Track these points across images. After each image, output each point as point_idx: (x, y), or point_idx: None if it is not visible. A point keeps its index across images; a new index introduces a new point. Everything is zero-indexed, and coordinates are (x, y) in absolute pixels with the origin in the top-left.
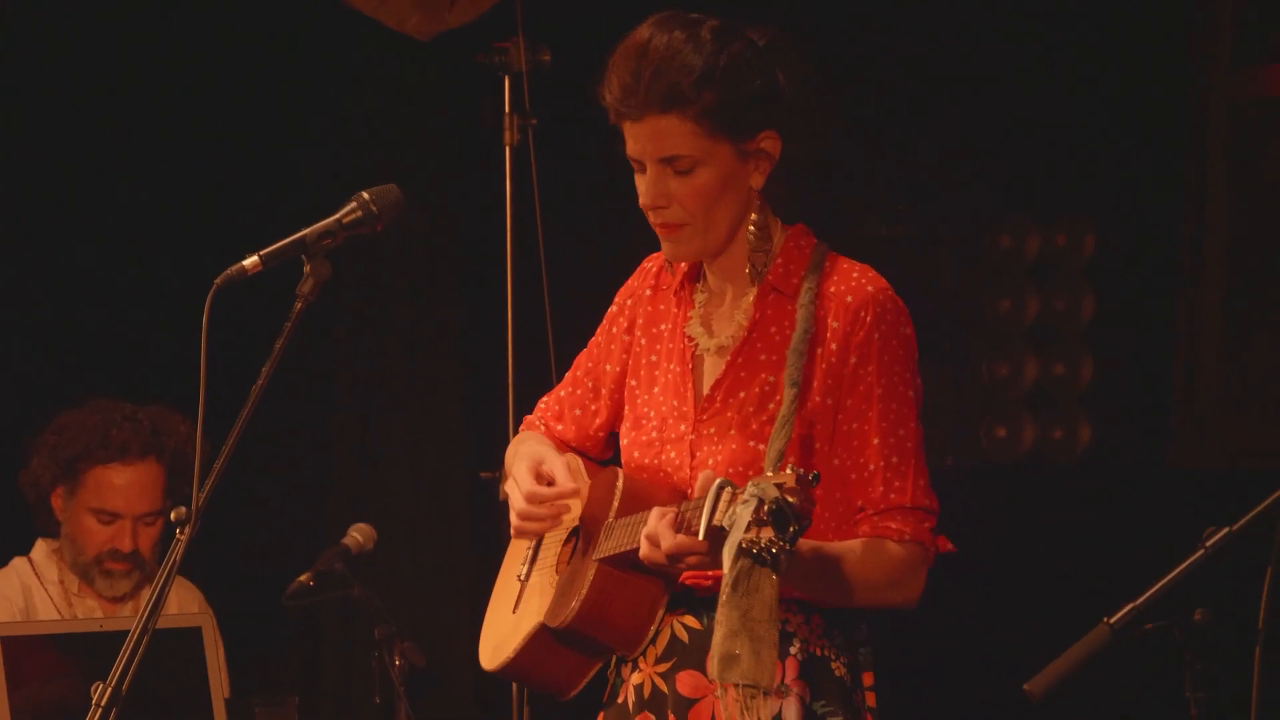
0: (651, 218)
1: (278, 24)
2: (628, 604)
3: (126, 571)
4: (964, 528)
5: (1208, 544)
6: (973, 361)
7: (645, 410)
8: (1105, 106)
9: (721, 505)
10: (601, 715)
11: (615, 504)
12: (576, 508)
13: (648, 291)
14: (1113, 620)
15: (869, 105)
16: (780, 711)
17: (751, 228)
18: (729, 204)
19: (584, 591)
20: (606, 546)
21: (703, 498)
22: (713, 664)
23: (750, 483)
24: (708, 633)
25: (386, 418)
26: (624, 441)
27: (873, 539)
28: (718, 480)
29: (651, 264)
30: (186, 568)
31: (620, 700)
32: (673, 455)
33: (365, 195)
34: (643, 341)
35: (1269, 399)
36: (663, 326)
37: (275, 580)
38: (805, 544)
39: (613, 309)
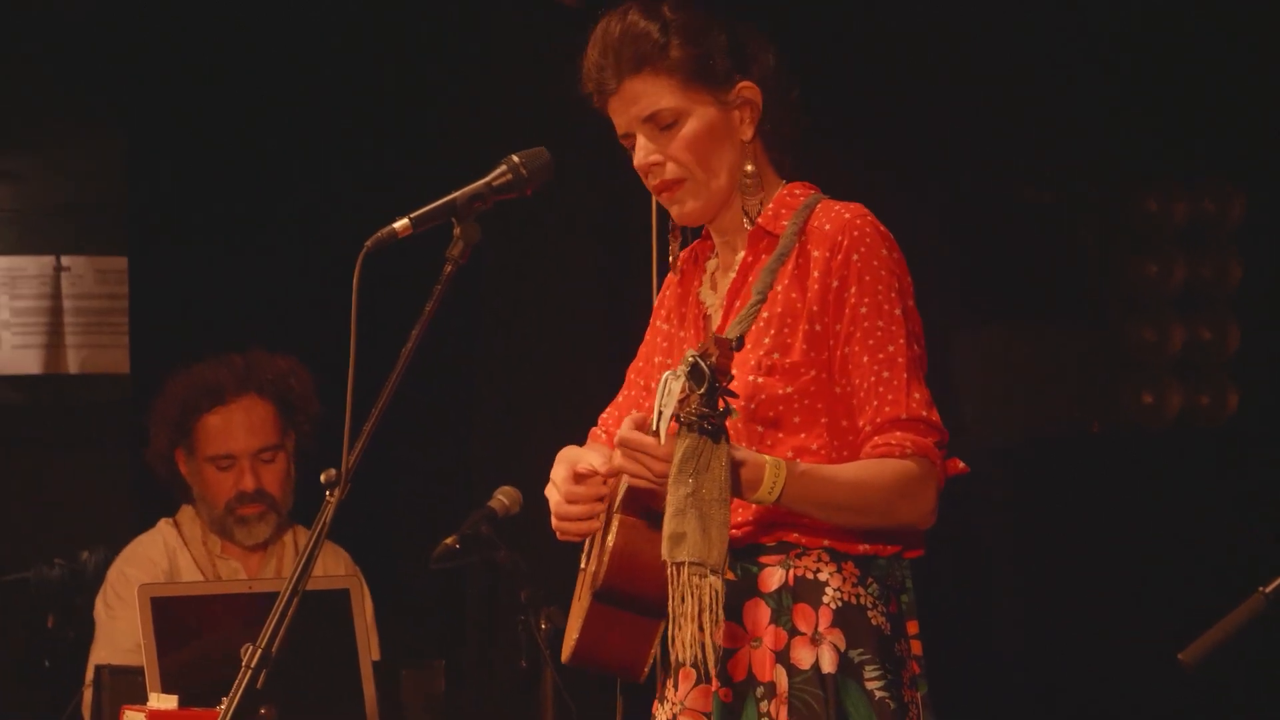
0: (650, 181)
1: None
2: (656, 552)
3: (260, 514)
4: (1111, 494)
5: None
6: (1119, 327)
7: None
8: (1254, 69)
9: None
10: (661, 675)
11: None
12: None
13: (675, 277)
14: (1268, 589)
15: (1012, 71)
16: (817, 659)
17: (747, 179)
18: (721, 155)
19: (610, 545)
20: (628, 495)
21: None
22: (664, 544)
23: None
24: (742, 584)
25: (532, 380)
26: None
27: (874, 458)
28: (665, 373)
29: (684, 253)
30: (334, 530)
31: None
32: None
33: (515, 159)
34: (674, 321)
35: None
36: (686, 306)
37: (421, 543)
38: (797, 464)
39: (655, 305)
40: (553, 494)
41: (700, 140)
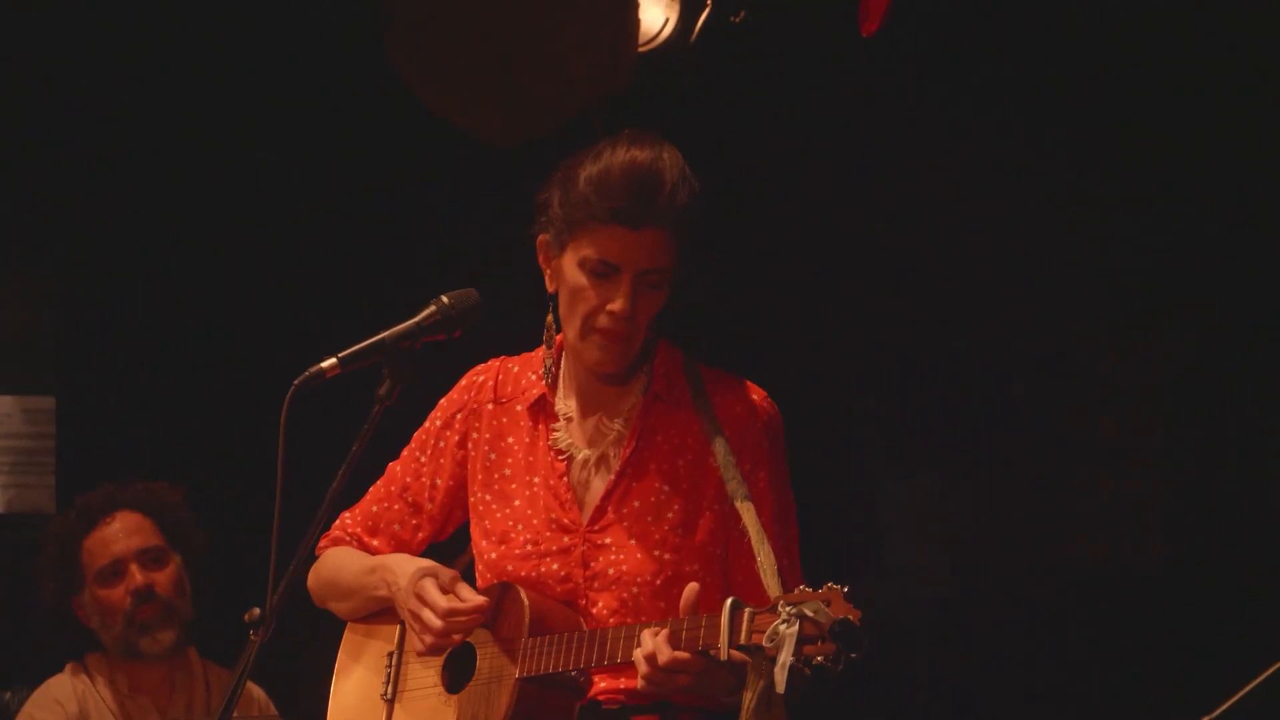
0: (608, 324)
1: (351, 120)
2: (548, 718)
3: (160, 616)
4: (1038, 642)
5: None
6: (1045, 475)
7: (509, 524)
8: (1181, 222)
9: (744, 626)
10: None
11: (526, 623)
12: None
13: (490, 405)
14: None
15: (940, 219)
16: None
17: (649, 347)
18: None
19: (507, 712)
20: (531, 666)
21: (698, 616)
22: None
23: (782, 603)
24: None
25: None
26: (490, 556)
27: None
28: (730, 601)
29: (484, 377)
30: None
31: None
32: (555, 567)
33: (445, 299)
34: (491, 456)
35: None
36: (510, 440)
37: None
38: None
39: (435, 424)
40: (423, 609)
41: (661, 306)
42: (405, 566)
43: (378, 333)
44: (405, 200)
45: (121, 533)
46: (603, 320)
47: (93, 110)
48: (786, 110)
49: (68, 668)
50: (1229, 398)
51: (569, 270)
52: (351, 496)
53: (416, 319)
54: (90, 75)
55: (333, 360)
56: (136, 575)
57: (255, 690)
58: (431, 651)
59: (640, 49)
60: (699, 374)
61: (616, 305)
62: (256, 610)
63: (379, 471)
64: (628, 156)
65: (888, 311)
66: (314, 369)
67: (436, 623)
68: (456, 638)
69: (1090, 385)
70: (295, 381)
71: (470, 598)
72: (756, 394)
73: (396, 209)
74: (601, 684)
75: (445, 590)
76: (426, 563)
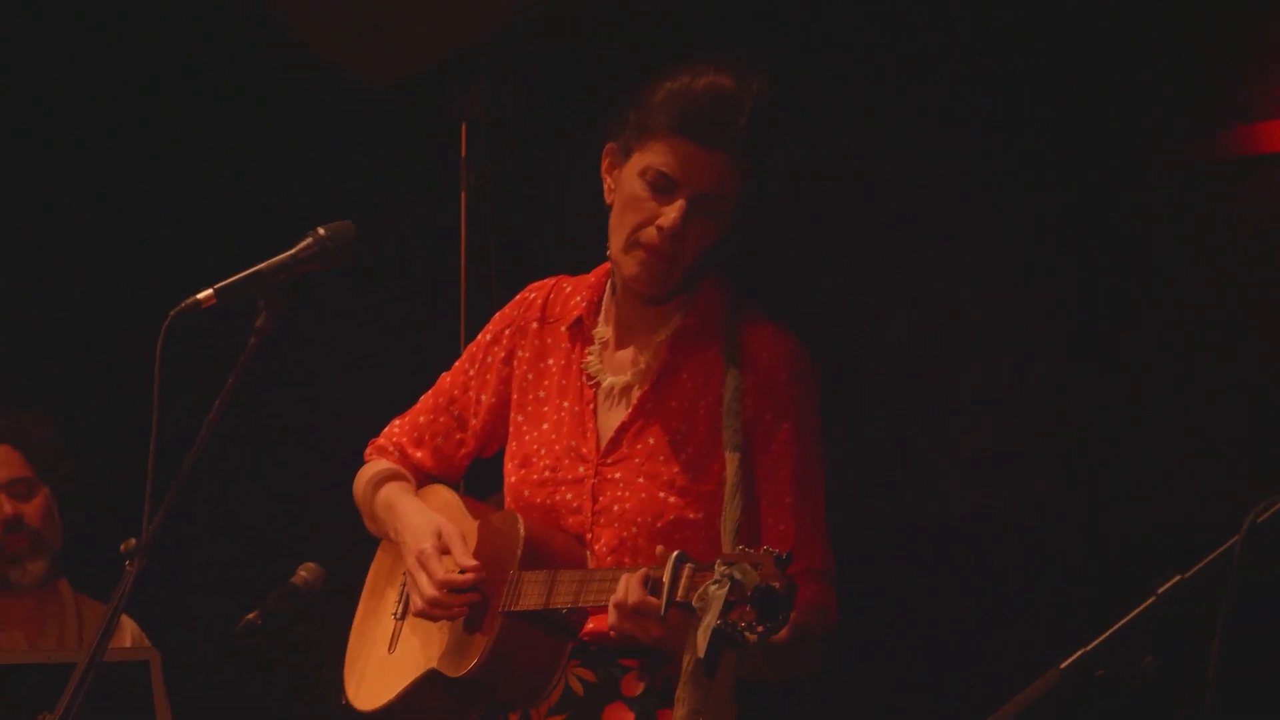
0: (655, 240)
1: (238, 65)
2: (531, 658)
3: (29, 548)
4: (911, 583)
5: (1159, 590)
6: (913, 424)
7: (534, 448)
8: (1044, 166)
9: (683, 582)
10: None
11: (519, 554)
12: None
13: (535, 324)
14: (1063, 665)
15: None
16: None
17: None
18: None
19: (489, 645)
20: (515, 602)
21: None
22: None
23: (719, 561)
24: (603, 686)
25: (335, 454)
26: (511, 479)
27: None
28: (675, 554)
29: (535, 294)
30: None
31: None
32: (569, 497)
33: (321, 231)
34: (529, 376)
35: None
36: (550, 361)
37: (221, 616)
38: None
39: (486, 337)
40: (420, 574)
41: (712, 241)
42: (414, 520)
43: (255, 265)
44: (288, 133)
45: None
46: (649, 234)
47: None
48: (666, 51)
49: None
50: (1095, 351)
51: (628, 179)
52: (229, 425)
53: (293, 251)
54: None
55: (209, 291)
56: (5, 506)
57: (128, 622)
58: (424, 616)
59: None
60: (740, 313)
61: (666, 220)
62: (132, 541)
63: (255, 403)
64: (715, 77)
65: (759, 257)
66: (190, 299)
67: (430, 592)
68: (456, 610)
69: (955, 336)
70: (172, 311)
71: (466, 561)
72: (790, 340)
73: (278, 141)
74: (591, 626)
75: (443, 551)
76: (435, 522)
